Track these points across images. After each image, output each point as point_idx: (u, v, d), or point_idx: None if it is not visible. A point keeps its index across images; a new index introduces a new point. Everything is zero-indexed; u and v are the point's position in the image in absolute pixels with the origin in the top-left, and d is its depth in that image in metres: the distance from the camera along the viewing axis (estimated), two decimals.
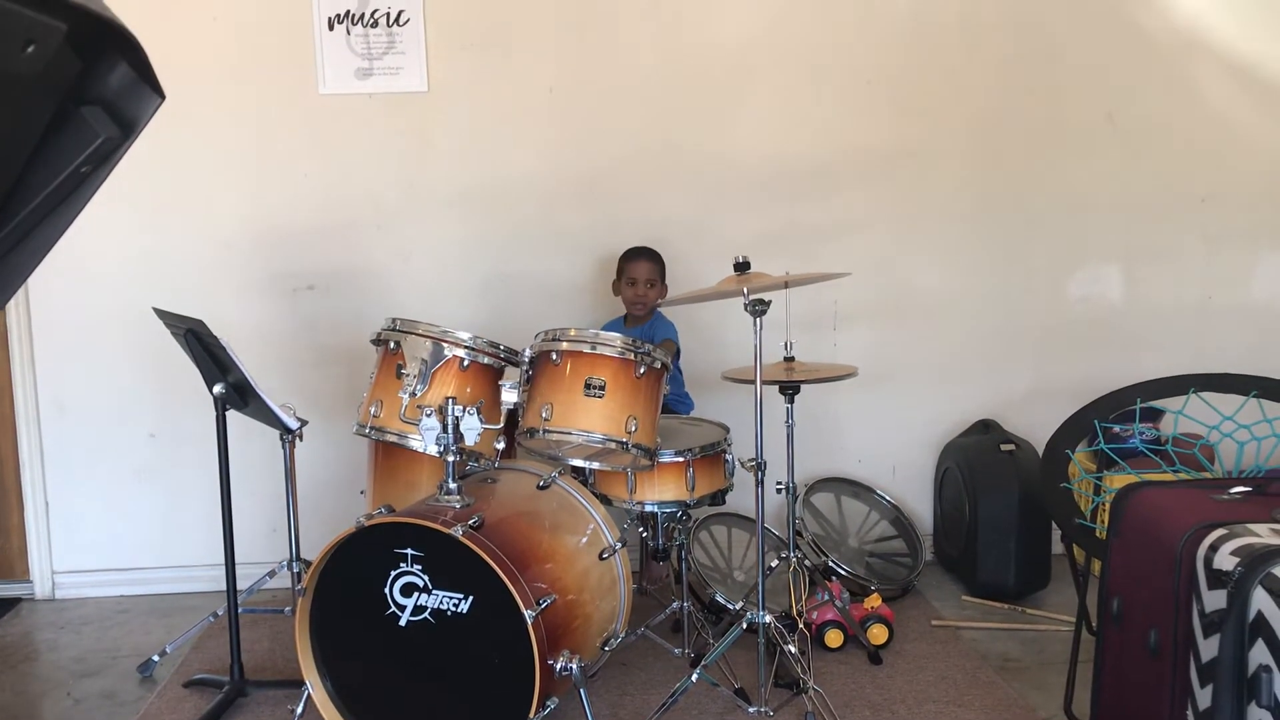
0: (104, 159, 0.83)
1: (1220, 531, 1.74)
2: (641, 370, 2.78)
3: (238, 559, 3.09)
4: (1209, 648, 1.70)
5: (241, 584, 3.12)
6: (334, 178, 3.93)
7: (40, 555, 4.02)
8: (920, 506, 4.16)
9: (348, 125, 3.90)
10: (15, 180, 0.76)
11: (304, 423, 3.12)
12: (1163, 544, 1.85)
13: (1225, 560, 1.68)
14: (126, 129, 0.82)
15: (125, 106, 0.82)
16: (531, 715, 2.44)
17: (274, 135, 3.90)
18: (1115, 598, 2.06)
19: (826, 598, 3.30)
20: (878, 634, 3.29)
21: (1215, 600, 1.69)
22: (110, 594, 4.01)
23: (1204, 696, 1.70)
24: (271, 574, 3.43)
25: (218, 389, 2.96)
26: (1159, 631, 1.87)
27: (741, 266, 2.84)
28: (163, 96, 0.83)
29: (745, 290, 2.75)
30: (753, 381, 2.82)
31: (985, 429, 3.95)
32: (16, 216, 0.78)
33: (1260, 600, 1.58)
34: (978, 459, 3.80)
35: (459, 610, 2.51)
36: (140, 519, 4.03)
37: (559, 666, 2.50)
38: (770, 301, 2.76)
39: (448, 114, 3.92)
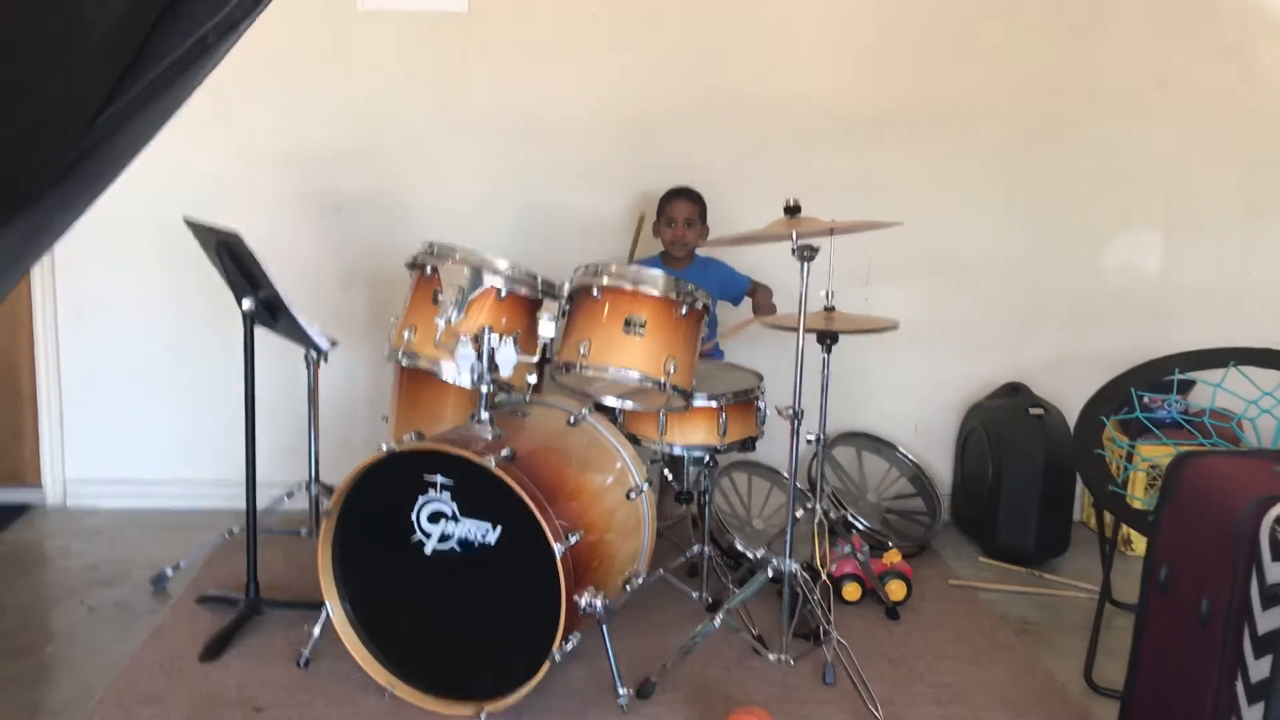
0: (230, 28, 0.77)
1: None
2: (684, 310, 2.72)
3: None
4: (1267, 620, 1.67)
5: (259, 504, 3.09)
6: (368, 97, 3.84)
7: (53, 461, 3.98)
8: (940, 465, 4.12)
9: (385, 44, 3.80)
10: (143, 41, 0.70)
11: (335, 343, 3.07)
12: (1222, 513, 1.82)
13: None
14: None
15: None
16: (554, 649, 2.42)
17: (310, 50, 3.81)
18: (1163, 565, 2.03)
19: (847, 550, 3.28)
20: (896, 590, 3.27)
21: (1277, 573, 1.66)
22: (121, 505, 3.97)
23: (1258, 668, 1.68)
24: (290, 495, 3.40)
25: (247, 304, 2.90)
26: (1211, 601, 1.84)
27: (792, 210, 2.78)
28: None
29: (794, 234, 2.68)
30: (793, 329, 2.77)
31: (1014, 391, 3.90)
32: (139, 84, 0.72)
33: None
34: (1005, 422, 3.76)
35: (486, 541, 2.49)
36: (154, 431, 3.99)
37: (584, 603, 2.48)
38: (819, 248, 2.70)
39: (487, 36, 3.82)
